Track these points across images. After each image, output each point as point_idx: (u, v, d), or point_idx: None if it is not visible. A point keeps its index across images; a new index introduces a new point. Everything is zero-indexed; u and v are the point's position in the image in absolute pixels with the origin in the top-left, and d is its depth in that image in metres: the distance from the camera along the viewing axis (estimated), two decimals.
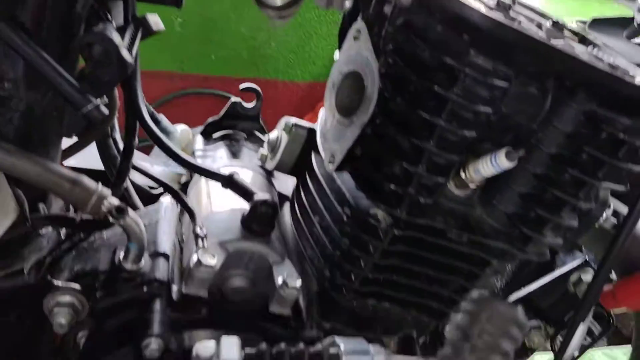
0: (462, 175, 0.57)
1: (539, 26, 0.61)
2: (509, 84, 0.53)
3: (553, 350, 0.77)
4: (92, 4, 0.59)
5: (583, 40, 0.67)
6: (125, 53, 0.55)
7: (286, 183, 0.77)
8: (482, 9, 0.49)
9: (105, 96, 0.65)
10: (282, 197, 0.76)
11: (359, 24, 0.57)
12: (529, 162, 0.56)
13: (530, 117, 0.55)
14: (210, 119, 0.85)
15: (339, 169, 0.58)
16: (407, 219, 0.57)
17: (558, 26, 0.64)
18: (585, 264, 0.73)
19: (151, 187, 0.81)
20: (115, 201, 0.54)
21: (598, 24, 0.91)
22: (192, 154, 0.81)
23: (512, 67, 0.52)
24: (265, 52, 2.20)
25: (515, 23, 0.51)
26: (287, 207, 0.75)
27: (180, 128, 0.86)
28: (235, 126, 0.85)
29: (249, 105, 0.84)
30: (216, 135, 0.85)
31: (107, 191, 0.54)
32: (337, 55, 0.62)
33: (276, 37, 2.19)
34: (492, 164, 0.55)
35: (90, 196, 0.53)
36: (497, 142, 0.55)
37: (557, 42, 0.54)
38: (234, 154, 0.81)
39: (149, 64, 2.40)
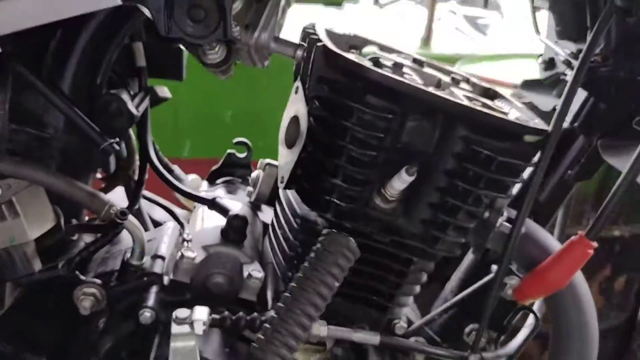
0: (383, 191, 0.76)
1: (438, 81, 0.81)
2: (404, 119, 0.72)
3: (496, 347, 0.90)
4: (111, 76, 0.84)
5: (493, 94, 0.87)
6: (132, 108, 0.79)
7: (270, 214, 0.97)
8: (371, 67, 0.70)
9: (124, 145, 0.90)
10: (266, 225, 0.96)
11: (297, 82, 0.79)
12: (431, 179, 0.75)
13: (426, 143, 0.74)
14: (213, 167, 1.08)
15: (287, 187, 0.78)
16: (335, 221, 0.75)
17: (455, 80, 0.83)
18: (510, 272, 0.88)
19: None
20: (120, 207, 0.75)
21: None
22: None
23: (400, 106, 0.71)
24: None
25: (396, 75, 0.71)
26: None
27: (191, 177, 1.09)
28: (233, 173, 1.07)
29: (242, 155, 1.07)
30: (218, 181, 1.07)
31: (115, 202, 0.76)
32: None
33: None
34: (399, 179, 0.73)
35: (104, 205, 0.75)
36: (404, 164, 0.74)
37: (439, 90, 0.74)
38: (230, 192, 1.02)
39: (205, 151, 2.73)
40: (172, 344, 0.68)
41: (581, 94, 0.85)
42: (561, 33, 0.88)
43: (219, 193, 1.02)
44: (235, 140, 1.06)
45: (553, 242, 0.80)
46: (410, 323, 0.90)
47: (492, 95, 0.88)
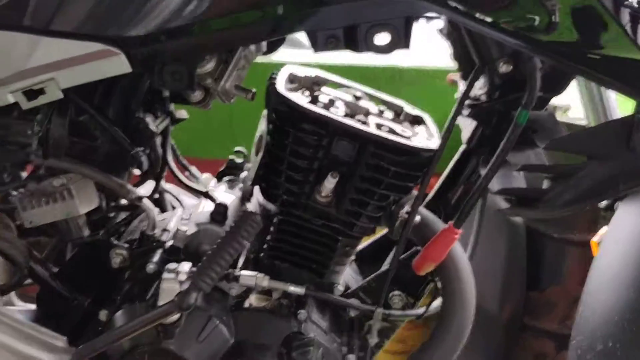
0: (320, 189, 1.09)
1: (366, 111, 1.13)
2: (332, 139, 1.05)
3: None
4: (145, 102, 1.21)
5: (419, 120, 1.18)
6: (153, 127, 1.16)
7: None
8: (303, 104, 1.03)
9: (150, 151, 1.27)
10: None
11: (265, 110, 1.13)
12: (352, 180, 1.07)
13: (348, 155, 1.06)
14: (220, 169, 1.45)
15: (253, 184, 1.13)
16: (282, 209, 1.09)
17: (381, 111, 1.15)
18: (417, 251, 1.18)
19: None
20: (138, 194, 1.12)
21: None
22: None
23: (325, 130, 1.04)
24: None
25: (324, 109, 1.04)
26: None
27: (205, 176, 1.45)
28: (234, 174, 1.43)
29: (239, 160, 1.43)
30: (224, 179, 1.43)
31: (137, 190, 1.13)
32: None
33: None
34: (327, 181, 1.06)
35: (128, 192, 1.12)
36: (334, 170, 1.06)
37: (356, 119, 1.06)
38: (230, 188, 1.38)
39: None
40: (162, 285, 1.03)
41: (473, 123, 1.15)
42: (462, 77, 1.18)
43: (222, 188, 1.38)
44: (235, 149, 1.42)
45: (441, 228, 1.10)
46: (349, 288, 1.22)
47: (419, 121, 1.19)
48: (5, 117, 0.99)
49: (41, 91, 0.92)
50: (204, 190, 1.24)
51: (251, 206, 1.32)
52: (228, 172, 1.44)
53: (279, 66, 1.15)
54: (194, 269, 1.06)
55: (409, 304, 1.22)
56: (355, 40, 0.87)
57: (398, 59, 3.04)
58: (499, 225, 2.02)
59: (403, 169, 1.04)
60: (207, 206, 1.27)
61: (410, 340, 1.41)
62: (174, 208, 1.39)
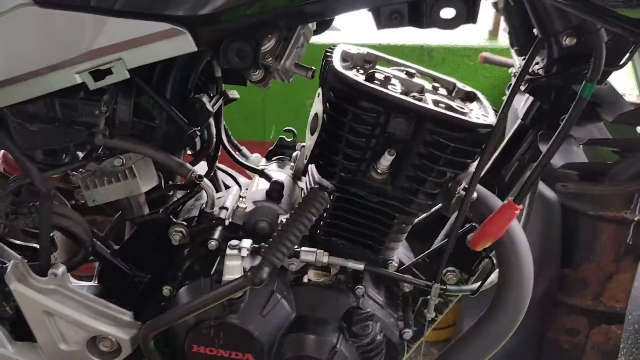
0: (375, 167, 1.09)
1: (421, 88, 1.13)
2: (388, 116, 1.05)
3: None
4: (198, 83, 1.23)
5: (472, 97, 1.17)
6: (209, 107, 1.17)
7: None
8: (361, 81, 1.03)
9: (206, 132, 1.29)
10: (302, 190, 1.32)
11: (319, 89, 1.13)
12: (408, 158, 1.07)
13: (404, 132, 1.07)
14: (269, 148, 1.46)
15: (309, 162, 1.14)
16: (339, 186, 1.10)
17: (435, 87, 1.15)
18: (472, 227, 1.18)
19: None
20: (198, 173, 1.14)
21: None
22: None
23: (383, 108, 1.04)
24: None
25: (381, 86, 1.04)
26: None
27: (254, 155, 1.47)
28: (284, 153, 1.44)
29: (289, 139, 1.44)
30: (273, 158, 1.45)
31: (196, 169, 1.15)
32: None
33: None
34: (384, 158, 1.07)
35: (188, 171, 1.14)
36: (390, 147, 1.07)
37: (412, 96, 1.06)
38: (280, 167, 1.39)
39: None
40: (226, 262, 1.05)
41: (530, 98, 1.14)
42: (517, 52, 1.16)
43: (272, 167, 1.40)
44: (285, 128, 1.44)
45: (498, 204, 1.10)
46: (402, 265, 1.23)
47: (472, 97, 1.19)
48: (71, 97, 1.02)
49: (108, 71, 0.94)
50: (259, 169, 1.26)
51: (303, 184, 1.33)
52: (277, 151, 1.46)
53: None
54: (255, 245, 1.08)
55: (463, 279, 1.23)
56: (420, 15, 0.87)
57: (427, 37, 3.02)
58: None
59: (462, 145, 1.04)
60: (261, 184, 1.29)
61: None
62: (226, 187, 1.41)
